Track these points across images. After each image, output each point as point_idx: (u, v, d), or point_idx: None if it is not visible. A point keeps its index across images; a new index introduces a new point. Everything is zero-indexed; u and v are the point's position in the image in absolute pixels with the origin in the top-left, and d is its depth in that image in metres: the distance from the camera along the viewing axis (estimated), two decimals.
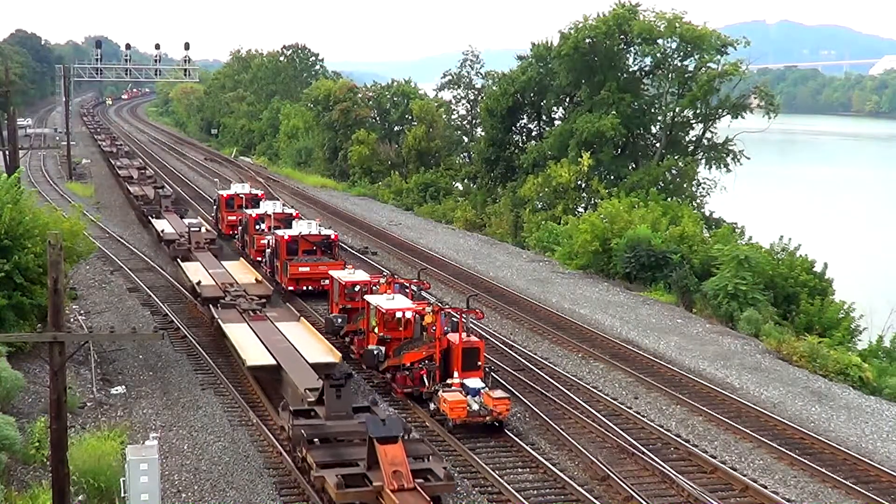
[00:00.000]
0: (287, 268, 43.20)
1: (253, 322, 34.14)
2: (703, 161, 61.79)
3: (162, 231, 52.77)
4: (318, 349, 31.52)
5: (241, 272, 42.60)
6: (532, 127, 71.56)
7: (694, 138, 63.76)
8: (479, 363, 28.99)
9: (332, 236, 45.81)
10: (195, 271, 41.95)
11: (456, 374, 28.47)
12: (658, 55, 62.13)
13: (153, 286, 44.50)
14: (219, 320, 34.70)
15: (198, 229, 50.24)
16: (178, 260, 45.67)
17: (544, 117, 70.71)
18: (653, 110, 64.48)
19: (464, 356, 28.61)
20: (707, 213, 59.36)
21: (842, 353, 36.54)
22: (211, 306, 36.90)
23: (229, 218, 56.52)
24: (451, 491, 22.43)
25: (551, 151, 63.85)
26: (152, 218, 57.85)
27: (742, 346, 37.79)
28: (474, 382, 28.13)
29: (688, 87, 61.51)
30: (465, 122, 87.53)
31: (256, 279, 41.08)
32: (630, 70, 65.45)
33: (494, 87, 73.06)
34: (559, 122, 67.66)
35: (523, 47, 70.99)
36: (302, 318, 35.72)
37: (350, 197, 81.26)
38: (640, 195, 54.77)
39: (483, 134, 73.81)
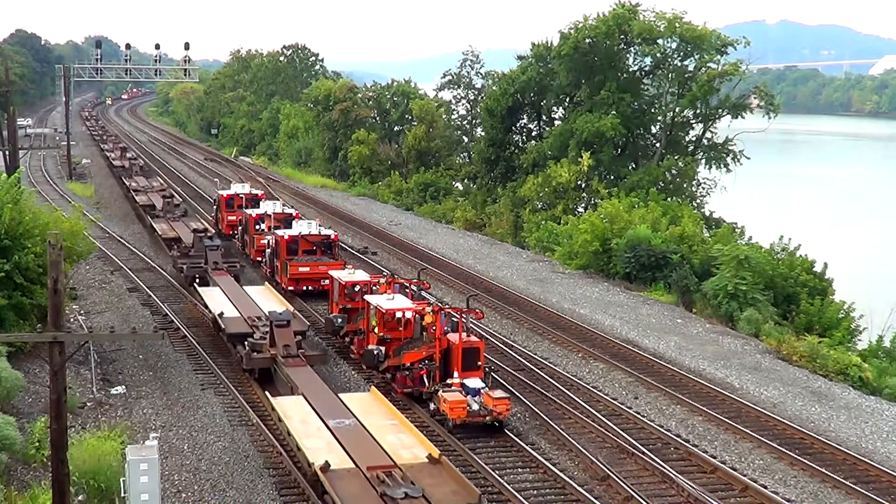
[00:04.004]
0: (287, 268, 43.18)
1: None
2: (703, 161, 61.82)
3: (220, 315, 34.26)
4: None
5: (388, 427, 24.21)
6: (532, 127, 71.60)
7: (694, 138, 63.79)
8: (479, 363, 29.00)
9: (332, 236, 45.81)
10: (302, 421, 24.54)
11: (456, 374, 28.48)
12: (658, 55, 62.16)
13: (153, 286, 44.47)
14: None
15: (285, 322, 31.56)
16: (265, 389, 29.41)
17: (544, 117, 70.74)
18: (653, 110, 64.51)
19: (464, 356, 28.62)
20: (707, 213, 59.38)
21: (842, 353, 36.53)
22: None
23: (229, 218, 56.53)
24: None
25: (551, 151, 63.87)
26: (198, 285, 40.61)
27: (742, 346, 37.78)
28: (474, 382, 28.13)
29: (688, 87, 61.52)
30: (465, 122, 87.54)
31: (432, 456, 22.14)
32: (630, 70, 65.48)
33: (494, 87, 73.08)
34: (559, 122, 67.68)
35: (523, 47, 71.14)
36: None
37: (350, 197, 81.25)
38: (640, 195, 54.79)
39: (483, 134, 73.85)
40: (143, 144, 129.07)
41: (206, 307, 36.69)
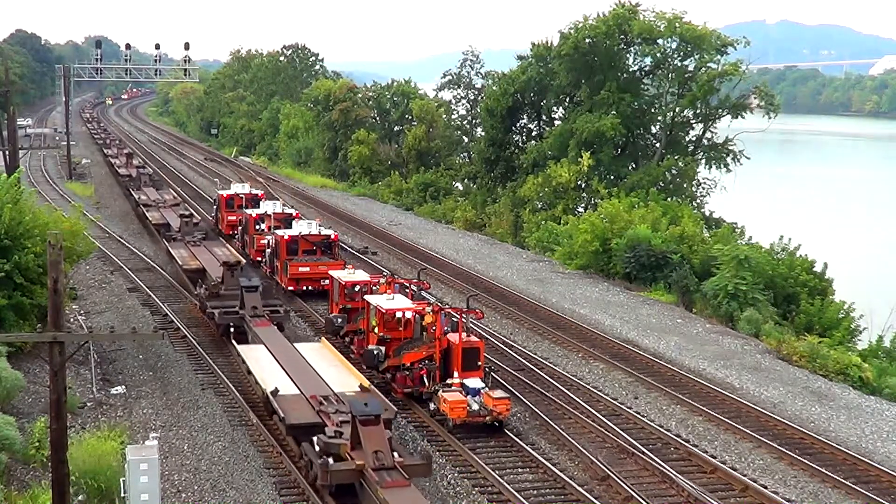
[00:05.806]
0: (287, 268, 43.19)
1: None
2: (703, 161, 61.83)
3: (275, 394, 25.87)
4: None
5: None
6: (532, 127, 71.58)
7: (694, 138, 63.80)
8: (479, 363, 28.99)
9: (332, 236, 45.81)
10: None
11: (456, 374, 28.48)
12: (658, 55, 62.17)
13: (153, 286, 44.45)
14: None
15: (373, 417, 22.15)
16: None
17: (544, 117, 70.72)
18: (653, 110, 64.51)
19: (464, 356, 28.61)
20: (707, 213, 59.38)
21: (842, 353, 36.53)
22: None
23: (229, 218, 56.51)
24: None
25: (551, 151, 63.87)
26: (236, 341, 32.98)
27: (742, 346, 37.78)
28: (474, 382, 28.13)
29: (688, 87, 61.57)
30: (465, 122, 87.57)
31: None
32: (630, 70, 65.49)
33: (494, 87, 73.07)
34: (559, 122, 67.68)
35: (523, 47, 71.15)
36: None
37: (350, 197, 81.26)
38: (640, 195, 54.76)
39: (483, 134, 73.84)
40: (143, 144, 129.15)
41: (250, 373, 28.78)
